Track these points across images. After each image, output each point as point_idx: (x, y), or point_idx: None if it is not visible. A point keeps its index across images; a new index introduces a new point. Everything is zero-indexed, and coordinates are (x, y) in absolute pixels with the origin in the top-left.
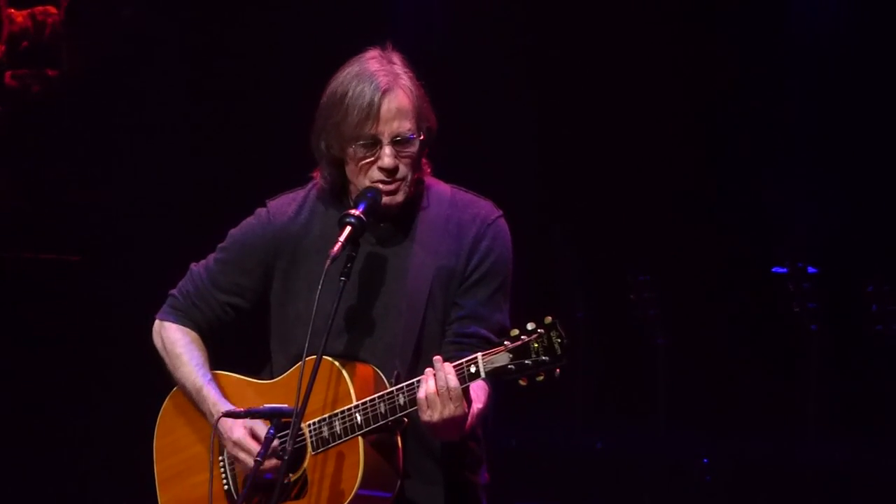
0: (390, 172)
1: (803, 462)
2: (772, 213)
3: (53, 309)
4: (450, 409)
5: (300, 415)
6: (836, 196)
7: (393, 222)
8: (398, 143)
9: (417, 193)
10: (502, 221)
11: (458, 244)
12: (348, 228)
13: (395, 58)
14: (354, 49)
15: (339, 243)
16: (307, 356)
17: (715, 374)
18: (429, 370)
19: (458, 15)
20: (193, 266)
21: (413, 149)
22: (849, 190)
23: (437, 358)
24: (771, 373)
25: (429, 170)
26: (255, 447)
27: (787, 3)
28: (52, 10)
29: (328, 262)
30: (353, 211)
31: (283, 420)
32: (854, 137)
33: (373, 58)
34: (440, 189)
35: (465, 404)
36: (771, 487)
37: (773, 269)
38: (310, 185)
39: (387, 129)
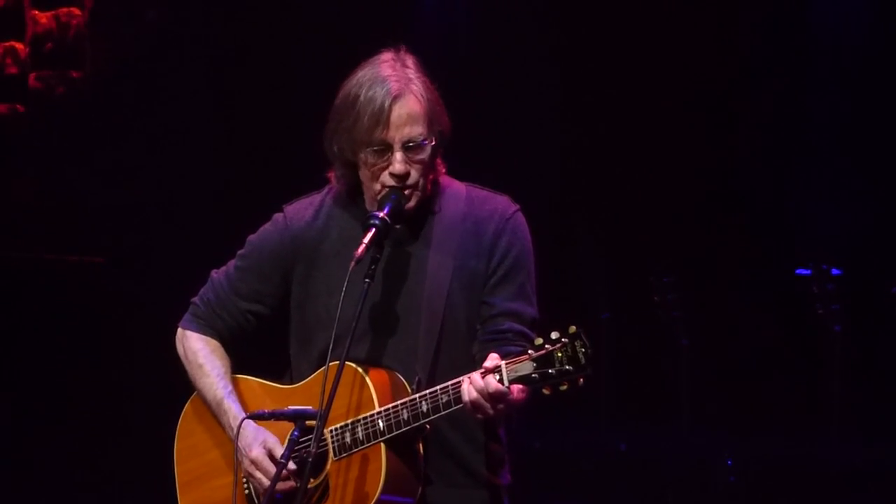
0: (401, 178)
1: (827, 463)
2: (796, 214)
3: (76, 311)
4: (500, 407)
5: (324, 417)
6: (860, 197)
7: (409, 224)
8: (409, 148)
9: (432, 194)
10: (520, 215)
11: (477, 243)
12: (373, 230)
13: (409, 61)
14: (379, 51)
15: (364, 245)
16: (330, 360)
17: (739, 376)
18: (463, 377)
19: (482, 13)
20: (214, 273)
21: (424, 154)
22: (873, 191)
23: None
24: (794, 374)
25: (443, 170)
26: (271, 469)
27: (811, 1)
28: (77, 11)
29: (352, 263)
30: (377, 213)
31: (307, 424)
32: (879, 138)
33: (385, 61)
34: (455, 188)
35: (510, 394)
36: (794, 488)
37: (797, 271)
38: (326, 188)
39: (397, 135)
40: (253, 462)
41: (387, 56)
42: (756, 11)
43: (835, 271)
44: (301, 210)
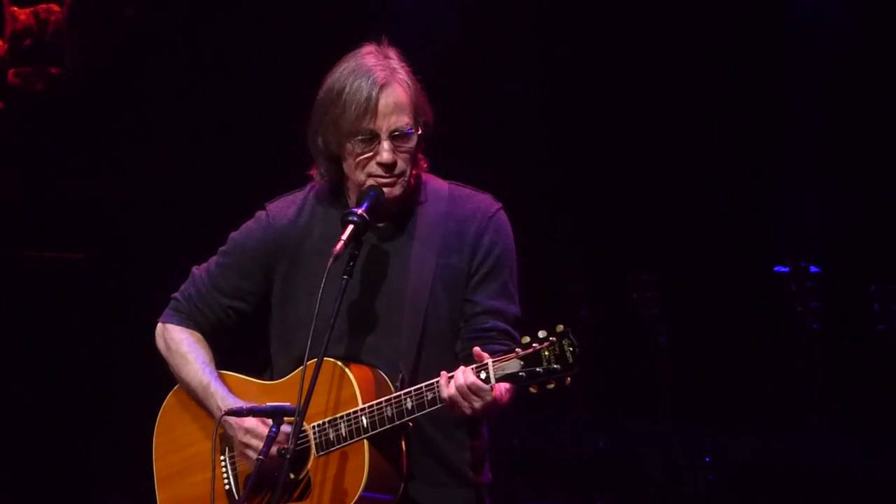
0: (389, 167)
1: (806, 461)
2: (774, 211)
3: (55, 307)
4: (479, 402)
5: (302, 413)
6: (839, 195)
7: (393, 220)
8: (396, 137)
9: (415, 189)
10: (502, 213)
11: (459, 240)
12: (351, 227)
13: (392, 52)
14: (361, 44)
15: (342, 241)
16: (309, 358)
17: (717, 373)
18: (444, 373)
19: (462, 10)
20: (195, 269)
21: (411, 143)
22: (852, 189)
23: (443, 373)
24: (773, 372)
25: (425, 165)
26: (265, 433)
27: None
28: (56, 7)
29: (331, 260)
30: (356, 209)
31: (286, 420)
32: (858, 136)
33: (369, 53)
34: (437, 185)
35: (491, 392)
36: (773, 486)
37: (776, 269)
38: (308, 186)
39: (385, 124)
40: (248, 431)
41: (369, 48)
42: (735, 6)
43: (813, 269)
44: (284, 208)
